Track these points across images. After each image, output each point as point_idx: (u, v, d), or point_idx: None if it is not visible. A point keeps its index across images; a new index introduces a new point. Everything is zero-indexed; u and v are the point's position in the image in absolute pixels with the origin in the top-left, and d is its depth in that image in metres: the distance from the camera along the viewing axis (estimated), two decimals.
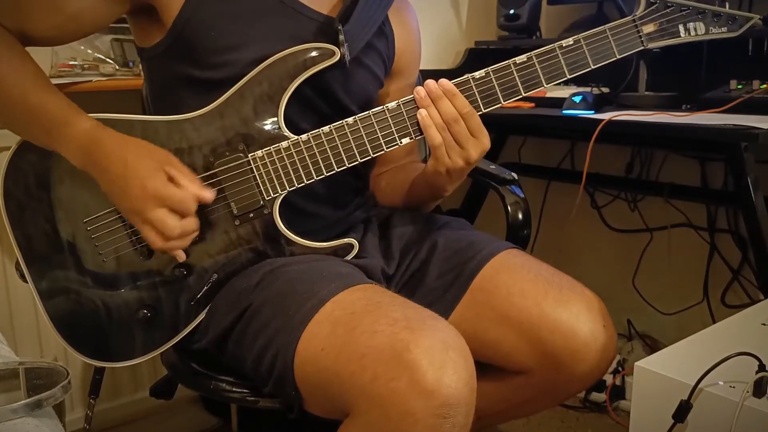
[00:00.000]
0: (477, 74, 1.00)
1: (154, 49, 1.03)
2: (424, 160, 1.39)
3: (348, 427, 0.85)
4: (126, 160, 0.92)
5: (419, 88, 0.99)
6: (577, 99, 1.54)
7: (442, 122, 0.98)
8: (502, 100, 1.01)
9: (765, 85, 1.43)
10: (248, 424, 1.67)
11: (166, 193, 0.92)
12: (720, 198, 1.82)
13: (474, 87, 0.99)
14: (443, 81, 0.98)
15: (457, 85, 0.99)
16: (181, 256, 0.98)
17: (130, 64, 1.51)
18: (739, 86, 1.48)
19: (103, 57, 1.50)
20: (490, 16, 2.04)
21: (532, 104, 1.67)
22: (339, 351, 0.83)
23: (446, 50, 2.05)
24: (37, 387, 0.74)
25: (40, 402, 0.70)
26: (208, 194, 0.96)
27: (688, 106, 1.54)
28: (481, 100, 1.00)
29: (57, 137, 0.95)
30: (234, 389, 1.02)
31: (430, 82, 0.99)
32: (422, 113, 0.98)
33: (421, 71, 1.32)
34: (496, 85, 1.00)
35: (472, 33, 2.09)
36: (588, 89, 1.63)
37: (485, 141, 1.00)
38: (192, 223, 0.95)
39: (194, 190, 0.94)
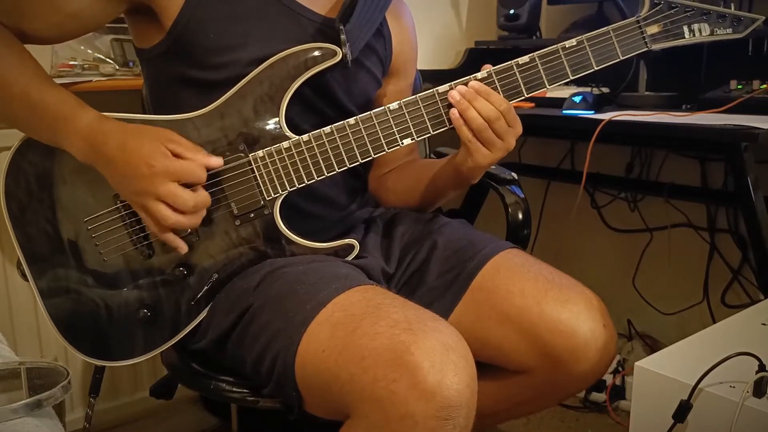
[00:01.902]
0: (479, 75, 1.00)
1: (154, 50, 1.03)
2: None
3: (348, 429, 0.85)
4: (128, 145, 0.92)
5: (453, 92, 0.99)
6: (577, 99, 1.54)
7: (482, 121, 0.98)
8: None
9: (765, 85, 1.43)
10: (248, 424, 1.67)
11: (173, 167, 0.91)
12: (720, 198, 1.82)
13: None
14: (472, 83, 0.99)
15: None
16: (183, 248, 0.98)
17: (130, 64, 1.51)
18: (739, 86, 1.48)
19: (103, 57, 1.50)
20: (490, 16, 2.04)
21: (532, 104, 1.67)
22: (339, 353, 0.83)
23: (446, 50, 2.05)
24: (37, 387, 0.74)
25: (40, 402, 0.70)
26: (216, 160, 0.96)
27: (688, 106, 1.54)
28: None
29: (61, 133, 0.95)
30: (234, 389, 1.01)
31: (459, 86, 1.00)
32: (454, 113, 0.99)
33: (421, 71, 1.32)
34: (498, 87, 1.00)
35: (472, 33, 2.09)
36: (588, 89, 1.63)
37: (520, 128, 1.02)
38: (204, 194, 0.95)
39: (201, 158, 0.94)
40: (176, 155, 0.92)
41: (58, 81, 1.36)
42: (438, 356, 0.79)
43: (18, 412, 0.68)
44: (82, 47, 1.47)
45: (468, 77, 1.00)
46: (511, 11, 1.93)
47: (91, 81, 1.42)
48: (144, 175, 0.91)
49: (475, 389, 0.82)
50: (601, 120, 1.38)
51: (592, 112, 1.51)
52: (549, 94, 1.66)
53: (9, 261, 1.48)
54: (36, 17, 0.97)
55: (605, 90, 1.67)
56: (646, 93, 1.64)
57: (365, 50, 1.07)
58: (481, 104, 0.98)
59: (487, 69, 1.01)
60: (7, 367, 0.77)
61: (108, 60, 1.50)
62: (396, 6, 1.15)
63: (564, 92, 1.62)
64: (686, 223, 1.91)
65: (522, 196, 1.25)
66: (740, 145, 1.28)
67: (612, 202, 2.04)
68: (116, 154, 0.93)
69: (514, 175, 1.28)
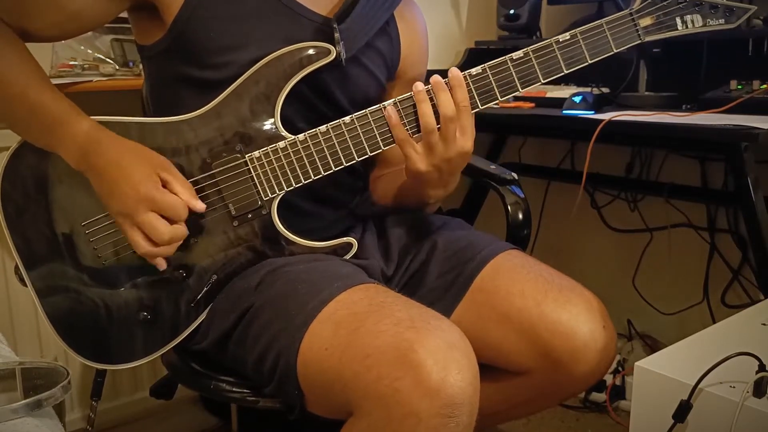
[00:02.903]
0: (473, 71, 1.00)
1: (154, 47, 1.03)
2: None
3: (351, 427, 0.85)
4: (121, 163, 0.93)
5: (418, 83, 0.97)
6: (577, 99, 1.54)
7: (432, 122, 0.95)
8: (498, 96, 1.00)
9: (765, 85, 1.43)
10: (248, 424, 1.67)
11: (158, 197, 0.92)
12: (720, 198, 1.82)
13: (471, 83, 0.99)
14: (453, 69, 0.97)
15: None
16: (162, 265, 0.98)
17: (130, 64, 1.51)
18: (739, 86, 1.48)
19: (103, 57, 1.50)
20: (490, 16, 2.04)
21: (532, 104, 1.66)
22: (342, 351, 0.83)
23: (446, 50, 2.05)
24: (37, 387, 0.74)
25: (40, 402, 0.70)
26: (200, 205, 0.96)
27: (688, 106, 1.54)
28: (477, 97, 0.99)
29: (55, 137, 0.95)
30: (234, 389, 1.01)
31: (436, 76, 0.97)
32: (389, 109, 0.97)
33: None
34: (492, 81, 1.00)
35: (472, 33, 2.09)
36: (588, 89, 1.63)
37: (469, 144, 0.97)
38: (181, 229, 0.95)
39: (186, 197, 0.94)
40: (165, 184, 0.93)
41: (58, 81, 1.37)
42: (442, 354, 0.79)
43: (18, 412, 0.68)
44: (82, 47, 1.47)
45: (463, 73, 1.00)
46: (511, 11, 1.93)
47: (91, 81, 1.42)
48: (128, 198, 0.92)
49: (477, 387, 0.82)
50: (601, 120, 1.38)
51: (592, 112, 1.50)
52: (549, 94, 1.66)
53: (10, 261, 1.48)
54: (38, 15, 0.97)
55: (605, 90, 1.67)
56: (646, 93, 1.64)
57: (367, 50, 1.07)
58: (443, 98, 0.95)
59: (473, 69, 0.99)
60: (6, 367, 0.77)
61: (108, 60, 1.50)
62: (407, 8, 1.15)
63: (564, 92, 1.63)
64: (686, 223, 1.91)
65: (522, 196, 1.24)
66: (740, 145, 1.28)
67: (612, 202, 2.04)
68: (108, 170, 0.93)
69: (514, 175, 1.28)
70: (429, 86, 0.98)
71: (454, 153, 0.97)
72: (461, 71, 0.98)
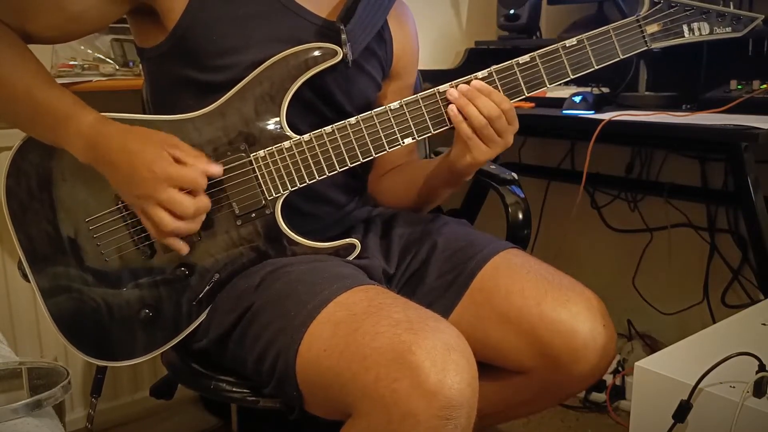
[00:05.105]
0: (480, 74, 1.00)
1: (155, 50, 1.03)
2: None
3: (350, 428, 0.85)
4: (130, 148, 0.92)
5: (452, 90, 0.99)
6: (578, 99, 1.54)
7: (483, 119, 0.98)
8: None
9: (765, 85, 1.43)
10: (248, 424, 1.67)
11: (175, 173, 0.92)
12: (720, 198, 1.82)
13: None
14: (475, 82, 0.99)
15: None
16: (184, 250, 0.98)
17: (130, 64, 1.51)
18: (739, 86, 1.48)
19: (103, 57, 1.50)
20: (490, 16, 2.05)
21: (532, 104, 1.67)
22: (341, 352, 0.83)
23: (446, 50, 2.05)
24: (37, 387, 0.74)
25: (40, 402, 0.70)
26: (216, 168, 0.96)
27: (688, 106, 1.54)
28: None
29: (62, 133, 0.95)
30: (234, 389, 1.01)
31: (461, 85, 1.00)
32: (453, 110, 0.99)
33: (421, 71, 1.32)
34: (499, 86, 1.00)
35: (472, 33, 2.09)
36: (588, 89, 1.63)
37: (518, 125, 1.02)
38: (204, 200, 0.95)
39: (202, 165, 0.94)
40: (177, 160, 0.92)
41: (59, 81, 1.37)
42: (439, 356, 0.79)
43: (18, 412, 0.68)
44: (82, 47, 1.48)
45: (469, 76, 1.00)
46: (511, 11, 1.93)
47: (91, 81, 1.42)
48: (145, 180, 0.91)
49: (476, 388, 0.82)
50: (601, 120, 1.38)
51: (592, 112, 1.51)
52: (549, 94, 1.66)
53: (10, 261, 1.48)
54: (40, 17, 0.97)
55: (605, 90, 1.67)
56: (646, 93, 1.64)
57: (365, 53, 1.07)
58: (483, 102, 0.98)
59: (480, 73, 1.01)
60: (7, 367, 0.77)
61: (108, 60, 1.50)
62: (399, 10, 1.15)
63: (564, 92, 1.63)
64: (686, 223, 1.91)
65: (522, 196, 1.24)
66: (740, 145, 1.28)
67: (612, 202, 2.04)
68: (118, 157, 0.93)
69: (514, 175, 1.28)
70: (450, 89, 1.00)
71: (512, 138, 1.02)
72: (464, 72, 1.00)
